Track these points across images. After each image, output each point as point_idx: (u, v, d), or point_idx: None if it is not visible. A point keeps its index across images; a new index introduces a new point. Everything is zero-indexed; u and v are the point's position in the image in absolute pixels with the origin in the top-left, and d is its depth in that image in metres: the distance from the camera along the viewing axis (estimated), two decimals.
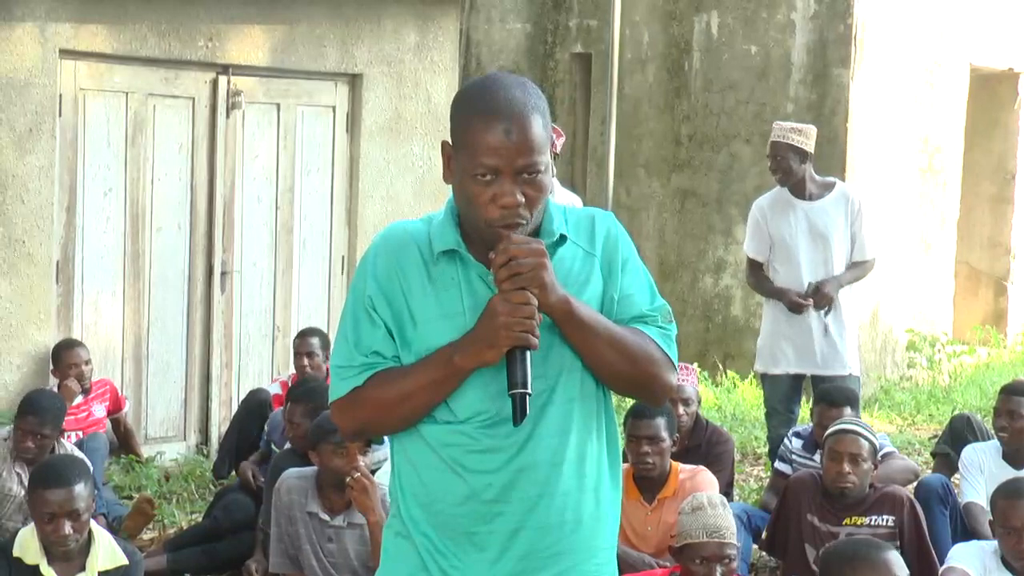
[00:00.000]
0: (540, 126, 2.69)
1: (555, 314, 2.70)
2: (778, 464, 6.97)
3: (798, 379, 7.69)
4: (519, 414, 2.65)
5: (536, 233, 2.75)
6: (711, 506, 5.01)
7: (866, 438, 5.80)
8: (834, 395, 6.76)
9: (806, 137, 7.58)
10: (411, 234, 2.81)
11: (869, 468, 5.79)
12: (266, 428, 6.96)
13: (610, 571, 2.87)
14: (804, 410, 8.10)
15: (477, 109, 2.70)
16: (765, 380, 7.83)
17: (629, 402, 7.66)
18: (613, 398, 2.87)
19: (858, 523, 5.73)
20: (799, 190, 7.60)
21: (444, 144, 2.78)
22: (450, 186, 2.80)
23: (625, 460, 5.92)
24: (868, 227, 7.66)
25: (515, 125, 2.67)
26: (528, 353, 2.66)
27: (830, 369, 7.53)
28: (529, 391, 2.65)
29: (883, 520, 5.73)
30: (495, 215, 2.69)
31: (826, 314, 7.51)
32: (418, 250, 2.78)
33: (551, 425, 2.75)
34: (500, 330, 2.64)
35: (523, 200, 2.68)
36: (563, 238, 2.79)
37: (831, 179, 7.87)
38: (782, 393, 7.66)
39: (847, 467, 5.71)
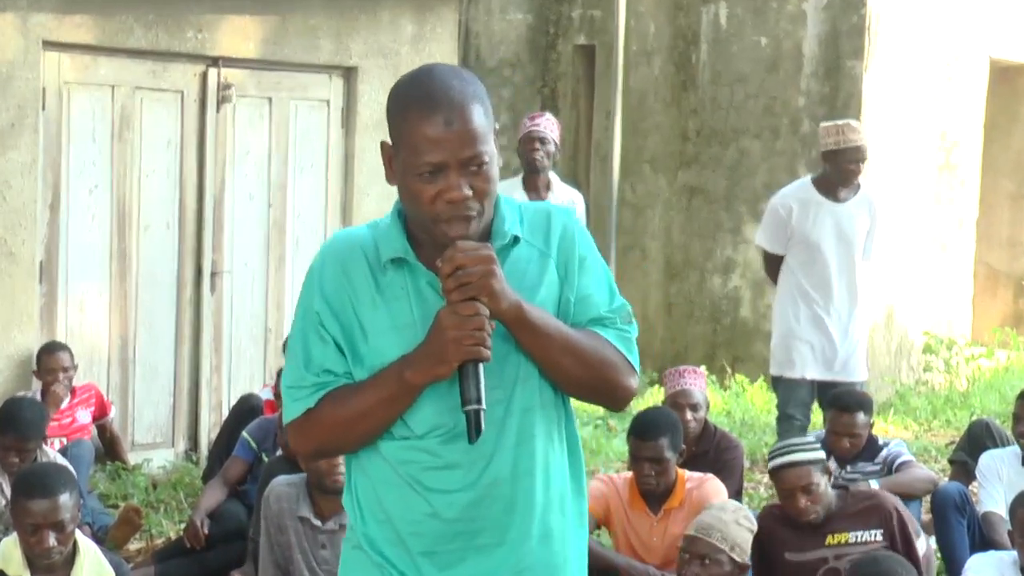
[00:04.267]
0: (481, 115, 2.64)
1: (507, 320, 2.65)
2: None
3: (813, 383, 7.63)
4: (474, 431, 2.60)
5: (487, 234, 2.70)
6: (719, 508, 5.04)
7: (807, 461, 5.57)
8: (846, 400, 6.72)
9: None
10: (357, 242, 2.75)
11: (824, 483, 5.58)
12: (245, 435, 6.91)
13: None
14: (814, 415, 8.01)
15: (414, 102, 2.64)
16: (779, 383, 7.77)
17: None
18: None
19: (842, 540, 5.56)
20: (834, 190, 7.53)
21: (383, 144, 2.71)
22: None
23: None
24: (883, 231, 7.71)
25: (455, 115, 2.61)
26: (481, 366, 2.61)
27: (846, 375, 7.51)
28: (483, 406, 2.60)
29: (871, 536, 5.55)
30: (443, 210, 2.63)
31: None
32: (365, 259, 2.72)
33: (512, 437, 2.70)
34: (449, 344, 2.59)
35: (471, 193, 2.63)
36: (516, 239, 2.74)
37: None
38: (797, 397, 7.62)
39: (804, 500, 5.52)
